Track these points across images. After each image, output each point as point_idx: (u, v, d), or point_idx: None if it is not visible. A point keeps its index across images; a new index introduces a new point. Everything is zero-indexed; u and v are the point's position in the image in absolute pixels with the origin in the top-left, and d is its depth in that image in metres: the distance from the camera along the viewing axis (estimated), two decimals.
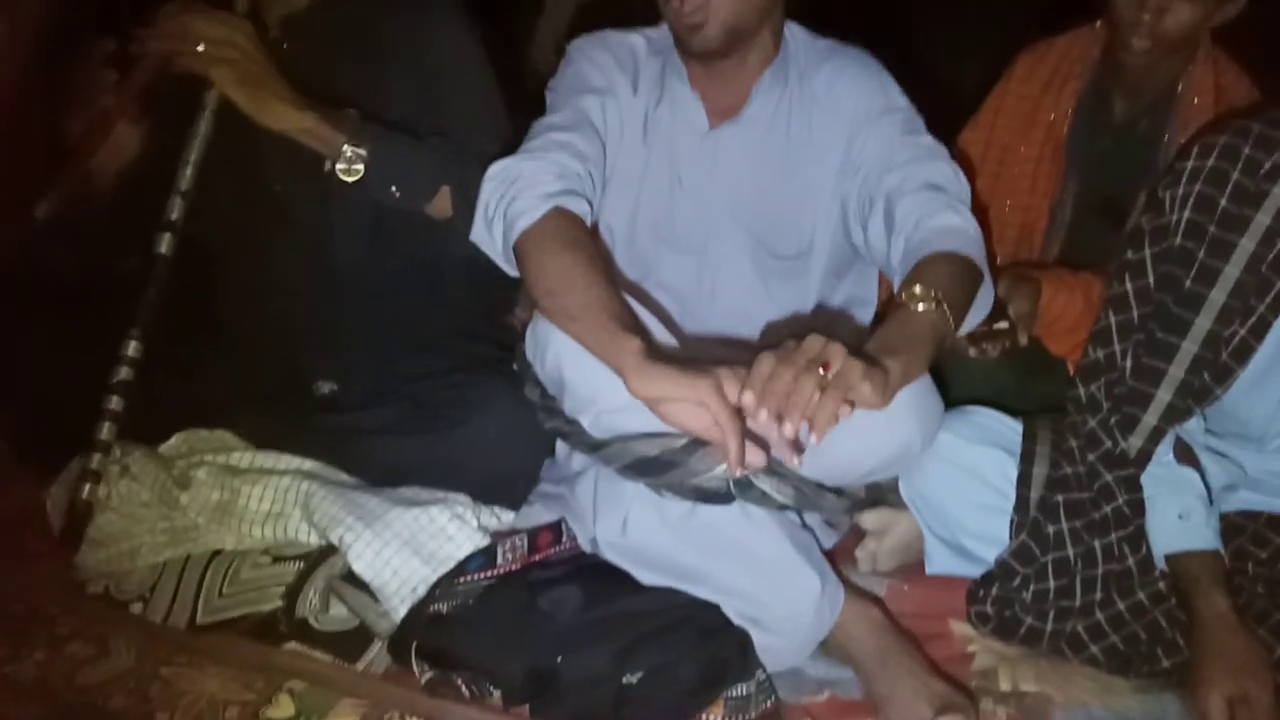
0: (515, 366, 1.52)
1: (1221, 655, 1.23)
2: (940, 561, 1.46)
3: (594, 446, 1.33)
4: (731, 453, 1.08)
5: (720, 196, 1.47)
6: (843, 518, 1.48)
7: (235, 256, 1.65)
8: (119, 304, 1.57)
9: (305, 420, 1.59)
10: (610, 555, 1.36)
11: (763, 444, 1.12)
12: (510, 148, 1.42)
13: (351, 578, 1.40)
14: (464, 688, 1.27)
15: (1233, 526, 1.40)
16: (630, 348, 1.14)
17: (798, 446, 1.07)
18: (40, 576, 1.46)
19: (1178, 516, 1.33)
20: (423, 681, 1.28)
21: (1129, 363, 1.34)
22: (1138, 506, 1.34)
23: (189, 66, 1.35)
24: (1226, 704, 1.20)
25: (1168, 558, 1.33)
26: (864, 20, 1.79)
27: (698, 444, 1.25)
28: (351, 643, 1.37)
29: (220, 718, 1.25)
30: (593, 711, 1.25)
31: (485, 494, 1.49)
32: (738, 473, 1.13)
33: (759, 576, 1.31)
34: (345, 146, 1.39)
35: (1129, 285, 1.35)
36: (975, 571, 1.42)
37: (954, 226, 1.28)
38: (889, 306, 1.22)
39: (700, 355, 1.33)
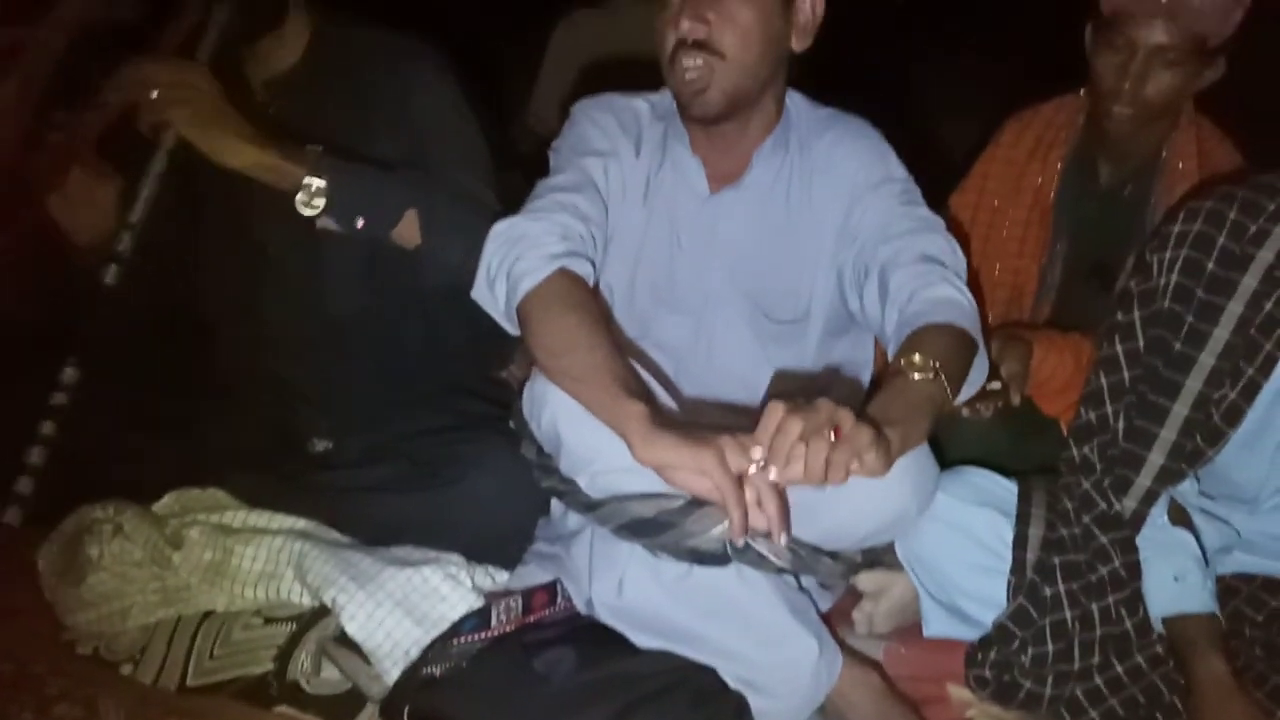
0: (512, 424, 1.52)
1: None
2: (937, 624, 1.46)
3: (590, 506, 1.32)
4: (735, 522, 1.08)
5: (719, 260, 1.49)
6: (839, 581, 1.47)
7: (229, 315, 1.66)
8: (117, 363, 1.58)
9: (300, 478, 1.59)
10: (606, 617, 1.35)
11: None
12: (492, 186, 1.45)
13: (344, 640, 1.39)
14: None
15: (1229, 589, 1.40)
16: (635, 412, 1.15)
17: (786, 523, 1.08)
18: (29, 636, 1.44)
19: (1173, 579, 1.33)
20: None
21: (1121, 424, 1.35)
22: (1134, 569, 1.34)
23: (147, 111, 1.35)
24: None
25: (1165, 621, 1.33)
26: (864, 88, 1.82)
27: (694, 505, 1.25)
28: (343, 707, 1.36)
29: None
30: None
31: (480, 552, 1.49)
32: (740, 542, 1.13)
33: (755, 639, 1.30)
34: (305, 179, 1.38)
35: (1119, 347, 1.36)
36: (973, 634, 1.41)
37: (949, 298, 1.29)
38: (885, 374, 1.23)
39: (696, 416, 1.35)
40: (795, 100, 1.52)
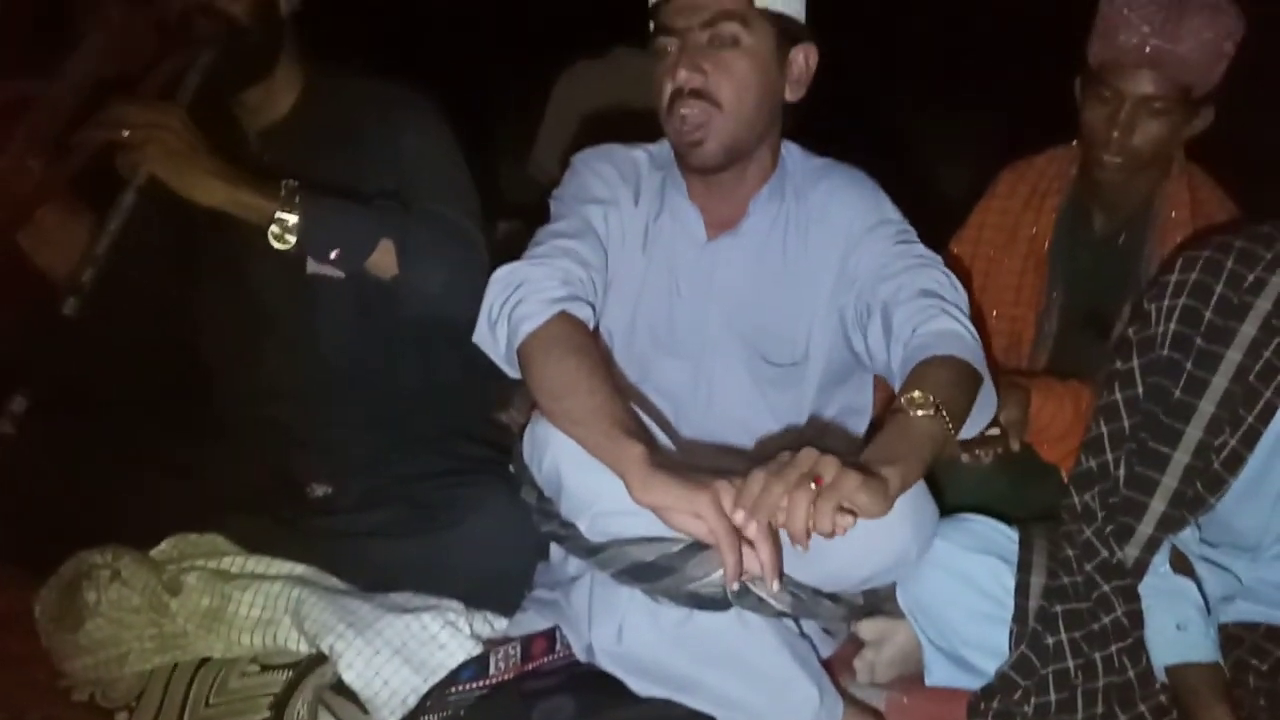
0: (511, 468, 1.53)
1: None
2: (940, 673, 1.45)
3: (590, 551, 1.32)
4: (729, 566, 1.09)
5: (717, 305, 1.50)
6: (840, 625, 1.47)
7: (228, 360, 1.67)
8: (115, 407, 1.58)
9: (298, 523, 1.58)
10: (605, 664, 1.34)
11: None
12: (477, 221, 1.46)
13: (341, 688, 1.37)
14: None
15: (1231, 638, 1.40)
16: (634, 454, 1.16)
17: (779, 568, 1.09)
18: (25, 683, 1.43)
19: (1176, 628, 1.32)
20: None
21: (1122, 472, 1.35)
22: (1136, 618, 1.34)
23: (121, 150, 1.36)
24: None
25: (1168, 670, 1.32)
26: (859, 139, 1.85)
27: (694, 549, 1.25)
28: None
29: None
30: None
31: (478, 597, 1.48)
32: (734, 586, 1.13)
33: (755, 687, 1.29)
34: (278, 214, 1.39)
35: (1119, 395, 1.37)
36: (975, 683, 1.40)
37: (951, 330, 1.30)
38: (887, 412, 1.24)
39: (695, 460, 1.35)
40: (790, 150, 1.54)
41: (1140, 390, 1.35)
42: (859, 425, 1.58)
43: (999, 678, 1.37)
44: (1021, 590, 1.39)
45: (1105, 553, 1.35)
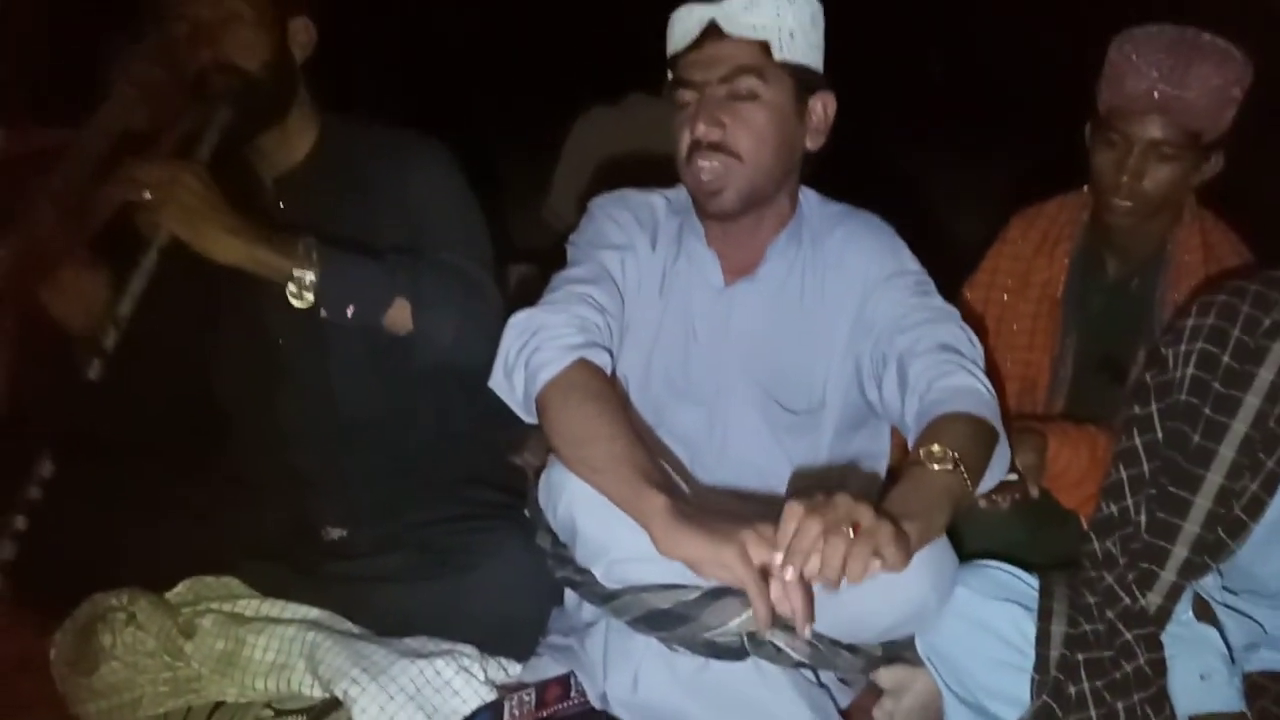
0: (526, 512, 1.52)
1: None
2: None
3: (605, 598, 1.32)
4: (759, 614, 1.08)
5: (733, 351, 1.50)
6: (859, 675, 1.45)
7: (243, 405, 1.68)
8: (128, 453, 1.59)
9: (313, 567, 1.58)
10: (620, 712, 1.33)
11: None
12: (489, 268, 1.47)
13: None
14: None
15: (1255, 687, 1.37)
16: (657, 505, 1.16)
17: (811, 614, 1.08)
18: None
19: (1199, 677, 1.30)
20: None
21: (1143, 517, 1.34)
22: (1159, 666, 1.32)
23: (141, 211, 1.38)
24: None
25: (1192, 719, 1.30)
26: (876, 185, 1.87)
27: (711, 597, 1.25)
28: None
29: None
30: None
31: (492, 643, 1.48)
32: (766, 634, 1.12)
33: None
34: (295, 271, 1.41)
35: (1138, 440, 1.36)
36: None
37: (968, 387, 1.30)
38: (904, 465, 1.23)
39: (710, 505, 1.35)
40: (808, 196, 1.55)
41: (1160, 435, 1.35)
42: (876, 471, 1.57)
43: None
44: (1042, 638, 1.37)
45: (1127, 600, 1.34)
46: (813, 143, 1.46)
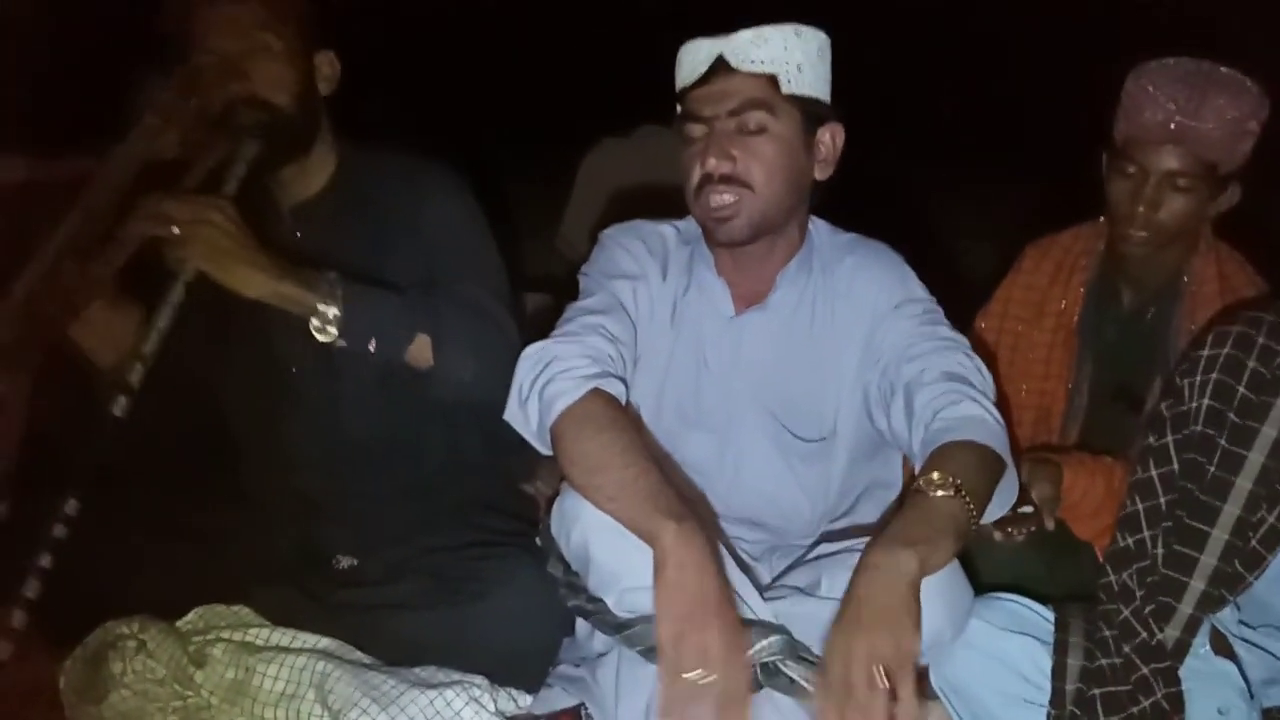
0: (538, 540, 1.52)
1: None
2: None
3: (617, 627, 1.31)
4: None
5: (744, 379, 1.50)
6: None
7: (254, 431, 1.69)
8: (143, 477, 1.59)
9: (324, 595, 1.57)
10: None
11: None
12: (505, 299, 1.48)
13: None
14: None
15: None
16: (667, 531, 1.17)
17: None
18: None
19: (1218, 712, 1.29)
20: None
21: (1160, 550, 1.33)
22: (1176, 701, 1.30)
23: (168, 247, 1.39)
24: None
25: None
26: (888, 215, 1.88)
27: None
28: None
29: None
30: None
31: (503, 672, 1.47)
32: (782, 665, 1.13)
33: None
34: (319, 306, 1.42)
35: (1154, 472, 1.35)
36: None
37: (974, 416, 1.30)
38: (906, 493, 1.23)
39: (721, 535, 1.34)
40: (818, 225, 1.56)
41: (1176, 466, 1.34)
42: (887, 499, 1.57)
43: None
44: (1058, 672, 1.36)
45: (1144, 634, 1.32)
46: (821, 173, 1.47)
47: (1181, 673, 1.31)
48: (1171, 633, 1.31)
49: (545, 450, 1.36)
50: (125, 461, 1.61)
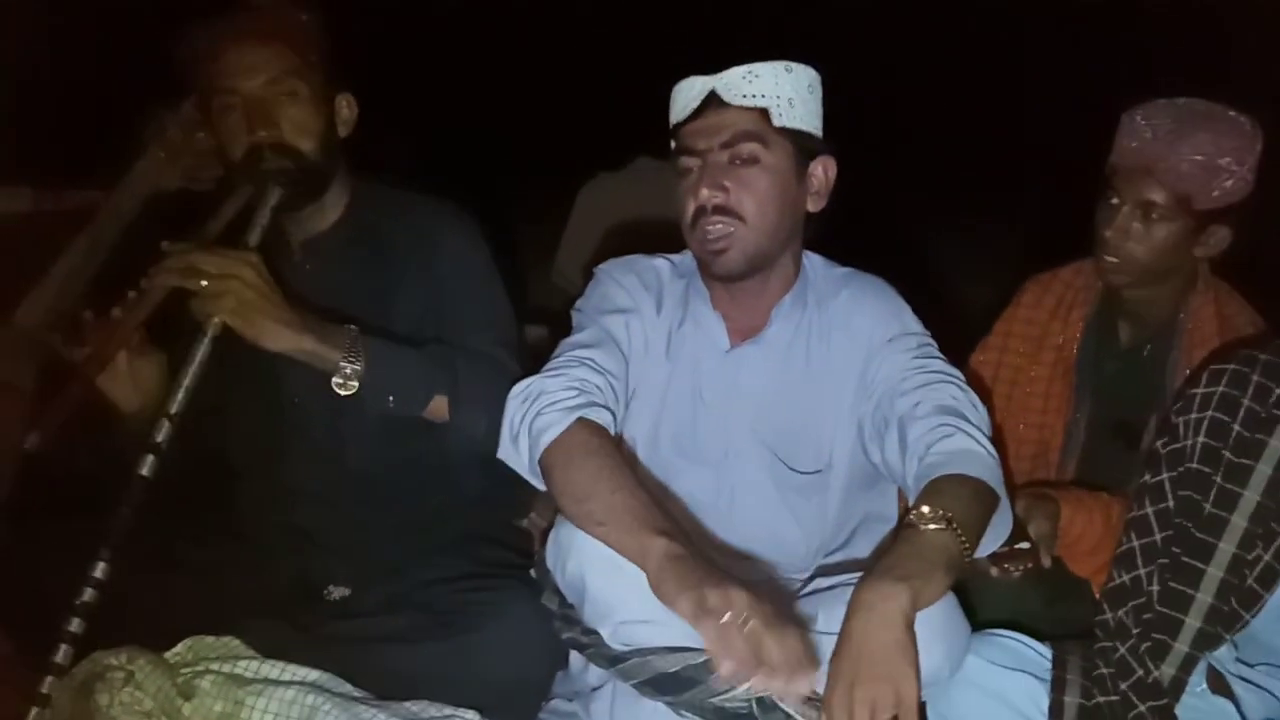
0: (533, 573, 1.51)
1: None
2: None
3: (612, 660, 1.30)
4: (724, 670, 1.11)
5: (740, 412, 1.50)
6: None
7: (253, 463, 1.68)
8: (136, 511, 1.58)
9: (315, 627, 1.56)
10: None
11: None
12: (513, 347, 1.50)
13: None
14: None
15: None
16: (655, 549, 1.18)
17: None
18: None
19: None
20: None
21: (1156, 587, 1.33)
22: None
23: (195, 300, 1.40)
24: None
25: None
26: (884, 249, 1.89)
27: None
28: None
29: None
30: None
31: (496, 706, 1.45)
32: (778, 699, 1.13)
33: None
34: (341, 363, 1.44)
35: (1150, 509, 1.35)
36: None
37: (967, 449, 1.30)
38: (898, 527, 1.23)
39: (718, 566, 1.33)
40: (812, 260, 1.57)
41: (1171, 504, 1.34)
42: (883, 533, 1.56)
43: None
44: (1055, 710, 1.35)
45: (1140, 671, 1.32)
46: (814, 205, 1.49)
47: (1178, 711, 1.30)
48: (1168, 670, 1.30)
49: (539, 485, 1.37)
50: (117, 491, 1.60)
